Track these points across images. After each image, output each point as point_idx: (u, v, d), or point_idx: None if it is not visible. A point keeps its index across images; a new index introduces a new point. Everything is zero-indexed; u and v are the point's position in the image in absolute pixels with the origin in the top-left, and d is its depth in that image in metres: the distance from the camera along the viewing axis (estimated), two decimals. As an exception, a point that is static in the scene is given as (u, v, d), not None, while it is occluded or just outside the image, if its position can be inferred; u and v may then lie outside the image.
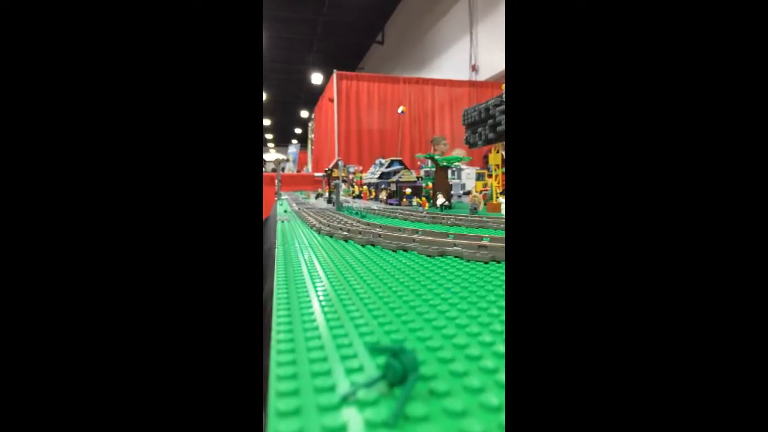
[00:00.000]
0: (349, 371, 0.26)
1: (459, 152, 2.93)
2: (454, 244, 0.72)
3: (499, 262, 0.62)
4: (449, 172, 2.08)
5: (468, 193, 2.66)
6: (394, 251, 0.74)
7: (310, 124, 7.88)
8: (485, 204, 1.68)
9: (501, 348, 0.29)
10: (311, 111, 7.75)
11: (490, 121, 1.64)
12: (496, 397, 0.22)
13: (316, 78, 8.18)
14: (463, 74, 5.24)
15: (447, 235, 0.80)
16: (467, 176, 3.00)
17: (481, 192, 1.93)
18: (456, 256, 0.67)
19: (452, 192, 2.03)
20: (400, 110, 3.69)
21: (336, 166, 2.96)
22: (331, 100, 4.77)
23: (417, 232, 0.88)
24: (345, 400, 0.22)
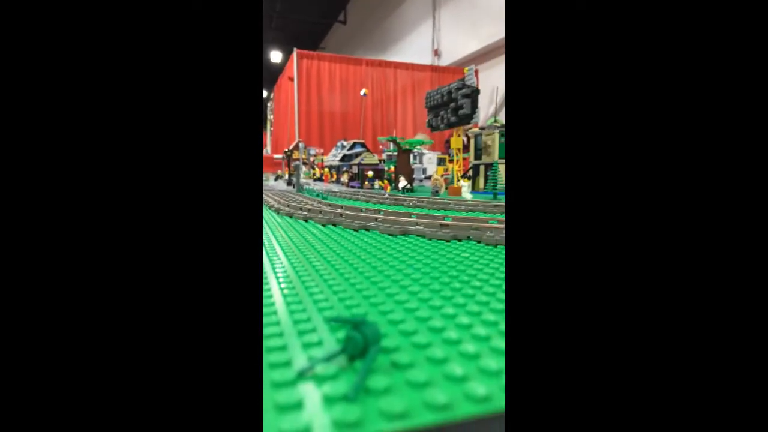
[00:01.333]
0: (307, 345, 0.24)
1: (421, 136, 2.94)
2: (417, 223, 0.71)
3: (460, 240, 0.62)
4: (411, 156, 2.08)
5: (429, 177, 2.68)
6: (356, 230, 0.73)
7: (269, 104, 7.60)
8: (446, 188, 1.69)
9: (464, 320, 0.28)
10: (270, 90, 7.46)
11: (452, 105, 1.64)
12: (461, 367, 0.22)
13: (275, 56, 7.86)
14: (426, 58, 5.22)
15: (409, 215, 0.79)
16: (428, 161, 3.02)
17: (442, 176, 1.94)
18: (418, 235, 0.66)
19: (414, 176, 2.03)
20: (362, 92, 3.63)
21: (296, 147, 2.88)
22: (291, 79, 4.60)
23: (379, 212, 0.87)
24: (302, 376, 0.21)
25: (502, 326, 0.27)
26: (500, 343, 0.25)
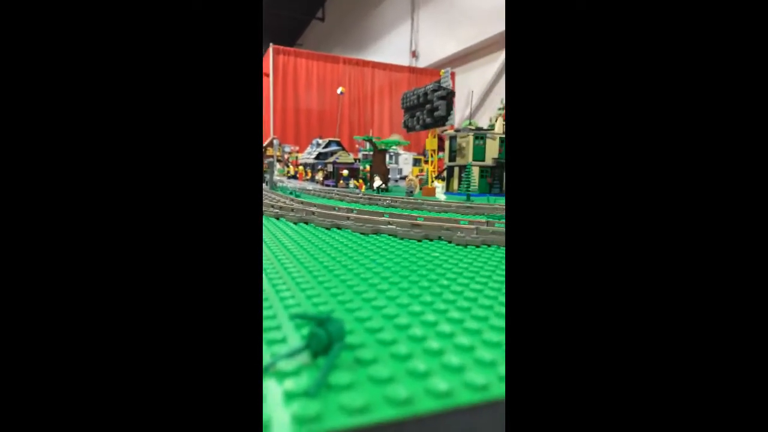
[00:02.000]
0: (270, 342, 0.24)
1: (396, 136, 2.95)
2: (389, 223, 0.72)
3: (431, 240, 0.63)
4: (387, 156, 2.08)
5: (404, 177, 2.69)
6: (327, 229, 0.72)
7: (243, 100, 7.43)
8: (420, 188, 1.71)
9: (430, 317, 0.29)
10: (245, 86, 7.30)
11: (428, 106, 1.66)
12: (424, 363, 0.22)
13: (251, 51, 7.70)
14: (403, 59, 5.24)
15: (382, 215, 0.79)
16: (404, 161, 3.04)
17: (417, 176, 1.96)
18: (390, 235, 0.67)
19: (389, 176, 2.04)
20: (339, 91, 3.61)
21: (270, 144, 2.83)
22: (267, 75, 4.53)
23: (352, 210, 0.87)
24: (264, 372, 0.20)
25: (468, 324, 0.28)
26: (464, 340, 0.25)
